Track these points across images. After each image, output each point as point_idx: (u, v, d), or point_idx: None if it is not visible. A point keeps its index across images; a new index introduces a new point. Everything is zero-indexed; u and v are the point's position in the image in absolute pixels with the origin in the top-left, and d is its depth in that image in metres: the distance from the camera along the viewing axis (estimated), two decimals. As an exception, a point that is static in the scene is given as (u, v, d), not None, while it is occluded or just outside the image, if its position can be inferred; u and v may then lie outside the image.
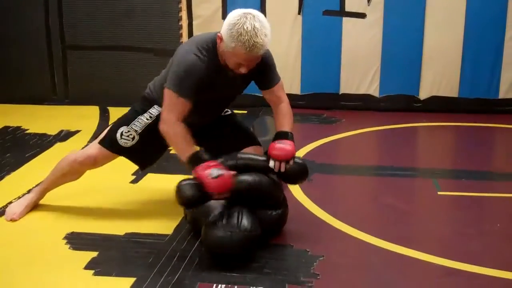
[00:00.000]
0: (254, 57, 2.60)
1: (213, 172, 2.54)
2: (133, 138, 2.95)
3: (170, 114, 2.67)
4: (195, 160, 2.60)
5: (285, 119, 2.89)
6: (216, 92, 2.81)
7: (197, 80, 2.65)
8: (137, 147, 2.96)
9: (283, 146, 2.76)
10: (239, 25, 2.53)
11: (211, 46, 2.68)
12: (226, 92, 2.89)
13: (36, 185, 3.35)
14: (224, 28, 2.59)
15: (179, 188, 2.60)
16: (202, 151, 2.68)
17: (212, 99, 2.85)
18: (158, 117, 2.83)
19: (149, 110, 2.94)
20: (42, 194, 3.21)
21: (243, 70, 2.63)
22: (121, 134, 2.95)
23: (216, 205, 2.74)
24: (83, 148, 3.21)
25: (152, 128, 2.86)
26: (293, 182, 2.98)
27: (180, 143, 2.68)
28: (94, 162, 3.03)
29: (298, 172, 2.82)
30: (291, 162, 2.76)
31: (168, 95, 2.68)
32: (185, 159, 2.63)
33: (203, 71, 2.66)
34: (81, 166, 3.07)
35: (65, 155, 3.17)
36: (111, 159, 3.06)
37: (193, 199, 2.59)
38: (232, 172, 2.62)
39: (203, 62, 2.66)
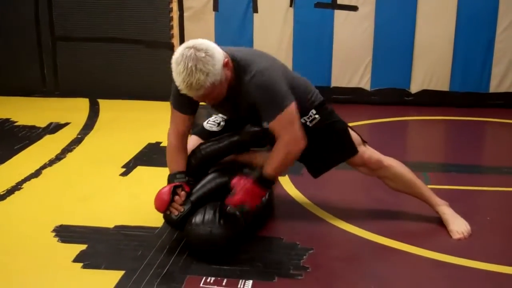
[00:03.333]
0: (198, 96, 2.48)
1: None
2: (218, 124, 2.93)
3: (170, 126, 2.77)
4: (175, 178, 2.71)
5: (272, 155, 2.59)
6: (223, 111, 2.86)
7: (183, 95, 2.52)
8: (221, 133, 2.89)
9: (230, 198, 2.56)
10: (176, 64, 2.41)
11: None
12: (233, 112, 2.79)
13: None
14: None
15: (164, 213, 2.69)
16: (179, 175, 2.70)
17: (229, 116, 2.88)
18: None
19: (213, 118, 3.00)
20: None
21: (208, 103, 2.59)
22: (207, 121, 2.97)
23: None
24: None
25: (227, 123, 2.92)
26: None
27: (168, 157, 2.78)
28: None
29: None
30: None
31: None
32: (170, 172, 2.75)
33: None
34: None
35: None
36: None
37: (179, 220, 2.66)
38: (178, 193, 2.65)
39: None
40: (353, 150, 2.89)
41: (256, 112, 2.60)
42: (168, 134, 2.77)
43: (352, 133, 2.93)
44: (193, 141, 2.92)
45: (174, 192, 2.66)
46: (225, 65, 2.47)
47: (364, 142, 2.98)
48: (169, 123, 2.77)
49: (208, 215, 2.62)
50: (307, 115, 2.82)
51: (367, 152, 2.94)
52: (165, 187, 2.68)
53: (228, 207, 2.63)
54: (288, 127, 2.55)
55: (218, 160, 2.84)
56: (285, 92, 2.56)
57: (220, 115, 2.98)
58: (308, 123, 2.81)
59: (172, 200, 2.65)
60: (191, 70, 2.37)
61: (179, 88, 2.45)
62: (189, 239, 2.65)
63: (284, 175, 3.59)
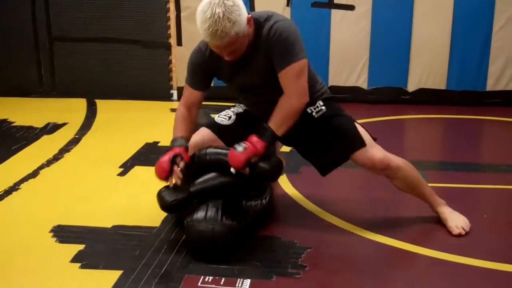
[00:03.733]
0: (221, 45, 2.45)
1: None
2: (229, 118, 2.92)
3: (181, 99, 2.83)
4: (175, 142, 2.72)
5: (275, 111, 2.59)
6: (239, 79, 2.70)
7: (197, 69, 2.70)
8: (231, 127, 2.87)
9: (234, 153, 2.54)
10: (202, 12, 2.42)
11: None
12: (250, 79, 2.67)
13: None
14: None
15: (160, 195, 2.67)
16: (180, 139, 2.71)
17: (243, 87, 2.76)
18: (238, 114, 2.94)
19: (227, 111, 2.99)
20: None
21: (226, 57, 2.54)
22: (219, 115, 2.96)
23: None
24: None
25: (247, 115, 2.91)
26: (262, 181, 2.84)
27: (175, 125, 2.79)
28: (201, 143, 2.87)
29: (263, 177, 2.67)
30: (252, 161, 2.56)
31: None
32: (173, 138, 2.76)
33: (203, 62, 2.68)
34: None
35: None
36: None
37: (173, 205, 2.65)
38: (177, 163, 2.65)
39: (202, 53, 2.68)
40: (361, 142, 2.78)
41: (271, 74, 2.58)
42: (178, 105, 2.82)
43: (360, 128, 2.86)
44: (203, 133, 2.90)
45: (173, 161, 2.65)
46: (248, 21, 2.49)
47: (374, 139, 2.92)
48: (183, 94, 2.83)
49: (210, 212, 2.62)
50: (314, 105, 2.81)
51: (372, 150, 2.84)
52: (165, 155, 2.67)
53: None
54: (296, 79, 2.57)
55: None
56: (302, 45, 2.63)
57: (232, 109, 2.97)
58: (314, 113, 2.81)
59: (171, 169, 2.65)
60: (218, 16, 2.37)
61: (203, 35, 2.45)
62: (190, 236, 2.65)
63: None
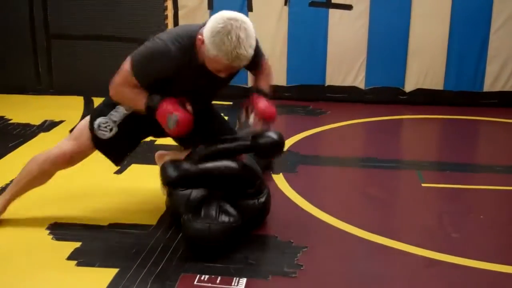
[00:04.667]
0: (236, 67, 2.51)
1: (170, 121, 2.56)
2: (111, 130, 2.79)
3: (119, 84, 2.65)
4: (151, 104, 2.59)
5: (262, 77, 2.85)
6: (196, 87, 2.70)
7: (158, 71, 2.55)
8: (114, 139, 2.80)
9: (270, 105, 2.72)
10: (223, 34, 2.39)
11: (188, 43, 2.55)
12: (207, 87, 2.75)
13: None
14: (207, 33, 2.44)
15: (163, 168, 2.65)
16: (152, 95, 2.59)
17: (194, 92, 2.72)
18: (127, 116, 2.80)
19: (111, 112, 2.81)
20: (5, 207, 2.92)
21: (222, 74, 2.54)
22: (99, 126, 2.79)
23: (196, 197, 2.74)
24: (50, 149, 2.95)
25: (131, 119, 2.79)
26: (267, 156, 2.89)
27: (130, 95, 2.65)
28: (69, 160, 2.84)
29: (273, 145, 2.72)
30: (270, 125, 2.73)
31: (126, 68, 2.61)
32: (143, 107, 2.61)
33: (170, 66, 2.54)
34: (53, 166, 2.86)
35: (30, 158, 2.95)
36: (86, 154, 2.88)
37: (176, 180, 2.63)
38: (188, 110, 2.60)
39: (173, 56, 2.52)
40: None
41: (227, 81, 2.72)
42: (117, 86, 2.66)
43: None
44: (80, 142, 2.82)
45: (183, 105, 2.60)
46: None
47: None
48: (118, 81, 2.65)
49: (207, 210, 2.63)
50: None
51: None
52: (177, 117, 2.55)
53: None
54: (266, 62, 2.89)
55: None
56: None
57: (112, 117, 2.80)
58: None
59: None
60: (242, 41, 2.40)
61: (219, 57, 2.42)
62: (187, 234, 2.65)
63: (278, 173, 3.59)
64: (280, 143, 2.74)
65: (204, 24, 2.55)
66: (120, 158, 2.96)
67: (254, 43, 2.48)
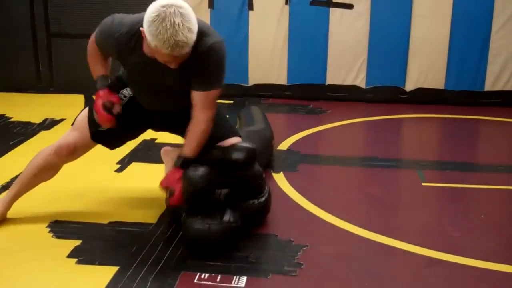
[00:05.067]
0: (179, 55, 2.37)
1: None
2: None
3: (92, 41, 2.78)
4: (95, 85, 2.75)
5: (188, 139, 2.63)
6: (146, 79, 2.65)
7: (104, 44, 2.68)
8: (112, 128, 2.79)
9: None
10: (157, 22, 2.29)
11: (135, 33, 2.52)
12: (163, 80, 2.61)
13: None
14: (144, 24, 2.36)
15: (189, 178, 2.58)
16: (102, 78, 2.74)
17: (150, 85, 2.68)
18: (131, 98, 2.82)
19: (122, 91, 2.83)
20: (9, 205, 2.92)
21: (172, 66, 2.44)
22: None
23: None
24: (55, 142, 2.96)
25: (126, 108, 2.79)
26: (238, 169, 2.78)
27: (93, 59, 2.81)
28: (73, 150, 2.84)
29: (237, 165, 2.71)
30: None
31: (97, 29, 2.73)
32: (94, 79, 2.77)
33: (112, 45, 2.60)
34: (59, 160, 2.86)
35: (31, 156, 2.96)
36: (90, 147, 2.90)
37: (203, 186, 2.58)
38: (113, 109, 2.69)
39: (116, 39, 2.57)
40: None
41: (185, 82, 2.57)
42: (91, 41, 2.78)
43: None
44: (79, 136, 2.85)
45: (107, 109, 2.69)
46: None
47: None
48: (93, 36, 2.76)
49: (207, 211, 2.62)
50: None
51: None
52: (97, 103, 2.70)
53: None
54: (211, 105, 2.61)
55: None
56: (225, 73, 2.63)
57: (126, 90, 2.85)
58: None
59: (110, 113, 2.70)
60: (178, 27, 2.29)
61: (159, 47, 2.32)
62: (187, 234, 2.65)
63: (279, 171, 3.59)
64: (240, 163, 2.70)
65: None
66: (115, 143, 2.95)
67: (194, 27, 2.34)
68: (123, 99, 2.82)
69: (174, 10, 2.30)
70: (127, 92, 2.85)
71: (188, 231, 2.63)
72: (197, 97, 2.58)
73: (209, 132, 2.64)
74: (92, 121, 2.83)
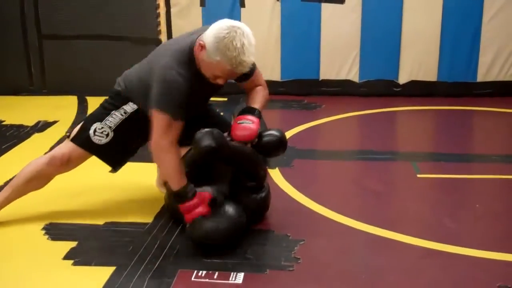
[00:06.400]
0: (237, 74, 2.56)
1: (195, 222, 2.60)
2: (107, 135, 2.79)
3: (165, 139, 2.54)
4: (181, 196, 2.59)
5: (256, 96, 2.84)
6: (199, 97, 2.76)
7: (184, 98, 2.53)
8: (111, 145, 2.81)
9: (246, 125, 2.69)
10: (228, 39, 2.43)
11: (188, 58, 2.56)
12: (208, 94, 2.87)
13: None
14: (210, 38, 2.47)
15: (200, 139, 2.54)
16: (190, 187, 2.60)
17: (195, 104, 2.73)
18: (132, 114, 2.79)
19: (123, 107, 2.80)
20: (0, 208, 2.90)
21: (219, 81, 2.56)
22: (95, 131, 2.79)
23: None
24: (48, 151, 2.96)
25: (127, 125, 2.79)
26: (270, 154, 2.86)
27: (172, 173, 2.60)
28: (67, 163, 2.84)
29: (275, 144, 2.76)
30: (254, 142, 2.73)
31: (160, 118, 2.53)
32: (174, 190, 2.60)
33: (187, 88, 2.54)
34: (52, 169, 2.85)
35: (25, 159, 2.93)
36: (84, 159, 2.88)
37: (216, 148, 2.52)
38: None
39: (186, 80, 2.53)
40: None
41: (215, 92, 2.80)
42: (165, 148, 2.56)
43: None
44: (71, 149, 2.82)
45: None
46: None
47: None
48: (160, 136, 2.54)
49: (215, 209, 2.62)
50: None
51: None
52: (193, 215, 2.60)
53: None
54: (261, 74, 2.93)
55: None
56: None
57: (108, 122, 2.80)
58: None
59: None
60: (246, 48, 2.45)
61: (223, 63, 2.45)
62: (194, 233, 2.63)
63: (274, 167, 3.59)
64: (282, 141, 2.79)
65: (198, 32, 2.60)
66: (117, 163, 2.94)
67: (254, 51, 2.51)
68: (123, 115, 2.80)
69: (243, 32, 2.48)
70: (129, 107, 2.81)
71: (196, 230, 2.61)
72: (252, 81, 2.83)
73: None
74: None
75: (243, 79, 2.80)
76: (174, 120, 2.53)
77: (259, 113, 2.78)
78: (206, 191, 2.65)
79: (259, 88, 2.88)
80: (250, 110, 2.77)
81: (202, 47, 2.50)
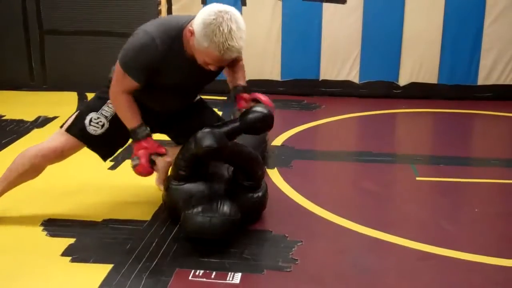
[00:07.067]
0: (227, 59, 2.48)
1: (134, 160, 2.66)
2: (102, 125, 2.79)
3: (116, 87, 2.65)
4: (134, 135, 2.67)
5: (240, 71, 2.89)
6: (184, 80, 2.68)
7: (147, 63, 2.52)
8: (105, 135, 2.80)
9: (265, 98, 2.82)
10: (214, 25, 2.37)
11: (174, 34, 2.53)
12: (195, 80, 2.74)
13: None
14: (198, 24, 2.42)
15: (200, 138, 2.58)
16: (141, 126, 2.65)
17: (181, 86, 2.72)
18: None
19: (103, 107, 2.81)
20: None
21: (211, 68, 2.53)
22: (90, 121, 2.79)
23: (195, 191, 2.73)
24: (41, 143, 2.92)
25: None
26: (258, 130, 2.82)
27: (124, 112, 2.68)
28: (60, 154, 2.82)
29: (262, 119, 2.74)
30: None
31: (117, 69, 2.61)
32: (128, 128, 2.68)
33: (157, 57, 2.51)
34: (44, 161, 2.82)
35: (20, 151, 2.91)
36: (77, 149, 2.86)
37: (218, 148, 2.57)
38: (146, 157, 2.63)
39: (160, 51, 2.50)
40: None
41: (210, 78, 2.75)
42: (115, 94, 2.65)
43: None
44: (64, 141, 2.81)
45: (152, 162, 2.66)
46: None
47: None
48: (114, 84, 2.64)
49: (208, 204, 2.63)
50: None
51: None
52: (140, 155, 2.63)
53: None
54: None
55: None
56: None
57: (104, 111, 2.80)
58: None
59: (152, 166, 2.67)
60: (234, 33, 2.39)
61: (211, 49, 2.40)
62: (187, 227, 2.64)
63: (273, 167, 3.60)
64: (268, 115, 2.74)
65: (192, 17, 2.54)
66: (109, 153, 2.95)
67: (244, 36, 2.45)
68: (107, 117, 2.81)
69: (231, 16, 2.41)
70: (108, 111, 2.82)
71: (189, 224, 2.62)
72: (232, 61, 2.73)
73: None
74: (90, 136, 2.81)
75: (232, 63, 2.79)
76: (126, 74, 2.57)
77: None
78: (163, 146, 2.68)
79: (241, 63, 2.90)
80: (242, 89, 2.84)
81: (192, 33, 2.46)
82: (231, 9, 2.46)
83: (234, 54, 2.45)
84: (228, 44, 2.39)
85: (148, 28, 2.57)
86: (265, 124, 2.76)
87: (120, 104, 2.67)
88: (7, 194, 3.02)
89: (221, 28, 2.37)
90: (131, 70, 2.57)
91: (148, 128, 2.69)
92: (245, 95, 2.83)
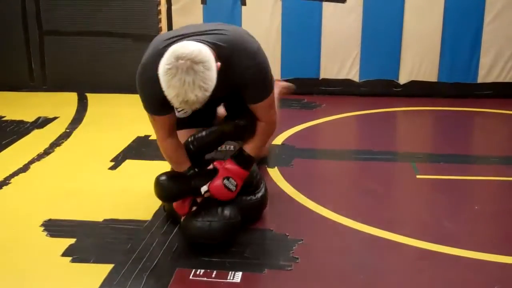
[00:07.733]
0: (191, 107, 2.28)
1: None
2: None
3: (157, 134, 2.66)
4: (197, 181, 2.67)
5: (250, 138, 2.69)
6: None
7: (158, 98, 2.33)
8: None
9: (228, 190, 2.65)
10: (169, 75, 2.18)
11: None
12: (212, 102, 2.49)
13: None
14: (160, 65, 2.24)
15: (158, 182, 2.67)
16: (189, 171, 2.67)
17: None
18: None
19: None
20: None
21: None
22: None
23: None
24: None
25: None
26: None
27: (171, 161, 2.72)
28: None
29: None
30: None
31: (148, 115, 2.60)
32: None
33: (160, 90, 2.27)
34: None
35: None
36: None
37: (172, 194, 2.67)
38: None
39: (157, 83, 2.27)
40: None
41: (226, 95, 2.61)
42: (160, 140, 2.63)
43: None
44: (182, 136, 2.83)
45: (194, 203, 2.70)
46: (218, 68, 2.28)
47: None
48: (155, 131, 2.63)
49: (208, 208, 2.62)
50: None
51: None
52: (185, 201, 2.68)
53: (206, 192, 2.66)
54: (270, 110, 2.66)
55: (208, 151, 2.84)
56: (271, 75, 2.66)
57: None
58: None
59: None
60: (189, 85, 2.17)
61: (169, 98, 2.23)
62: (187, 232, 2.64)
63: (273, 166, 3.59)
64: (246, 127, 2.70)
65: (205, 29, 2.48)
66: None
67: (208, 84, 2.20)
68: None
69: (188, 66, 2.17)
70: None
71: (188, 229, 2.62)
72: (255, 107, 2.60)
73: (270, 136, 2.79)
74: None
75: (247, 101, 2.60)
76: (153, 114, 2.56)
77: (244, 160, 2.68)
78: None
79: (259, 127, 2.67)
80: (242, 160, 2.68)
81: None
82: (192, 52, 2.21)
83: (195, 105, 2.24)
84: (182, 98, 2.20)
85: (144, 58, 2.49)
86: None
87: (165, 151, 2.68)
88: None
89: (173, 80, 2.18)
90: (149, 109, 2.54)
91: (195, 170, 2.68)
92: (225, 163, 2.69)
